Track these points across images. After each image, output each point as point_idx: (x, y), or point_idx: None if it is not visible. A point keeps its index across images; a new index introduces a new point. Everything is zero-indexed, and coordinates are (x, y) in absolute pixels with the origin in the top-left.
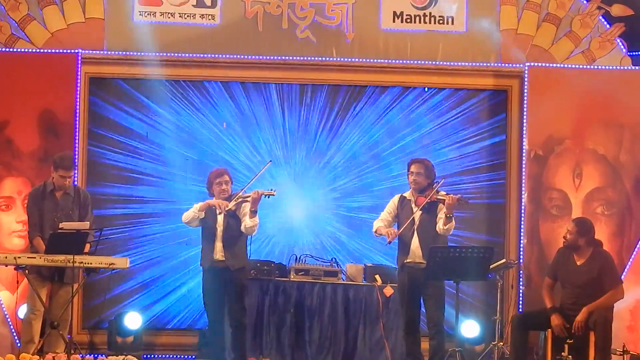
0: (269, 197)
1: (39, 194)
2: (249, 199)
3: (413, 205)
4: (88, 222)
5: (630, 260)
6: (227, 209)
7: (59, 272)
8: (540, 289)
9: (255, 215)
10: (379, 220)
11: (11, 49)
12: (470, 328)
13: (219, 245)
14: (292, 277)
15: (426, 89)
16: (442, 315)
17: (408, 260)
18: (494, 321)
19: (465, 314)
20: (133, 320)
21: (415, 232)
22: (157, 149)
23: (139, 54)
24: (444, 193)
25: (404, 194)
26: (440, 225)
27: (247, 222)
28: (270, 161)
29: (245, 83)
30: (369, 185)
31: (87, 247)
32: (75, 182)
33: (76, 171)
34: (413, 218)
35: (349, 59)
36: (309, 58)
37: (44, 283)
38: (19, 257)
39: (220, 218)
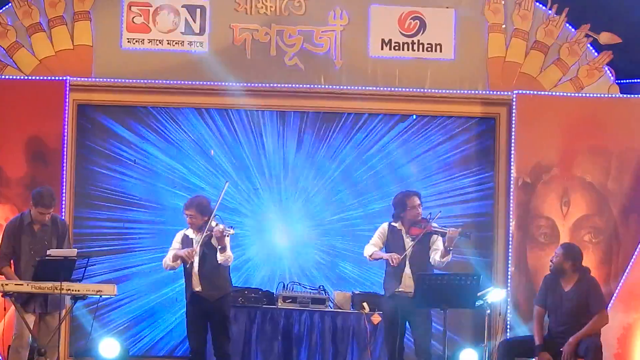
0: (228, 236)
1: (15, 227)
2: (213, 231)
3: (404, 234)
4: (75, 249)
5: (618, 287)
6: (191, 258)
7: (45, 299)
8: (527, 315)
9: (225, 250)
10: (372, 245)
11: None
12: (467, 356)
13: (195, 278)
14: (279, 304)
15: (415, 117)
16: (429, 341)
17: (399, 289)
18: (482, 348)
19: (456, 341)
20: (119, 348)
21: (408, 262)
22: (146, 174)
23: (127, 81)
24: (437, 225)
25: (393, 223)
26: (437, 258)
27: (219, 257)
28: (228, 182)
29: (231, 110)
30: (357, 211)
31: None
32: (62, 216)
33: (64, 196)
34: (404, 247)
35: (338, 87)
36: (297, 85)
37: (30, 311)
38: (6, 284)
39: (197, 254)
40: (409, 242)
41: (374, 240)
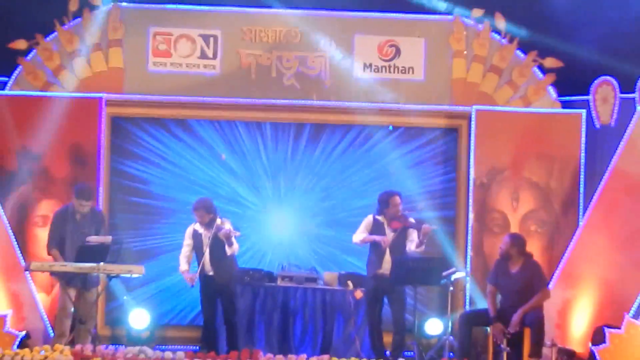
0: (234, 237)
1: (61, 216)
2: (221, 231)
3: (386, 226)
4: (110, 237)
5: (558, 270)
6: (193, 283)
7: (84, 278)
8: (483, 291)
9: (232, 245)
10: (361, 233)
11: (47, 93)
12: (434, 325)
13: (207, 265)
14: (279, 282)
15: (391, 127)
16: (404, 314)
17: (380, 271)
18: (446, 319)
19: (425, 313)
20: (148, 318)
21: (388, 249)
22: (167, 173)
23: (152, 97)
24: (413, 220)
25: (377, 216)
26: (412, 247)
27: (227, 250)
28: (224, 154)
29: (237, 122)
30: (342, 206)
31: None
32: (99, 207)
33: (100, 191)
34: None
35: (327, 102)
36: (293, 101)
37: (73, 287)
38: (53, 265)
39: (205, 242)
40: (389, 233)
41: (361, 229)
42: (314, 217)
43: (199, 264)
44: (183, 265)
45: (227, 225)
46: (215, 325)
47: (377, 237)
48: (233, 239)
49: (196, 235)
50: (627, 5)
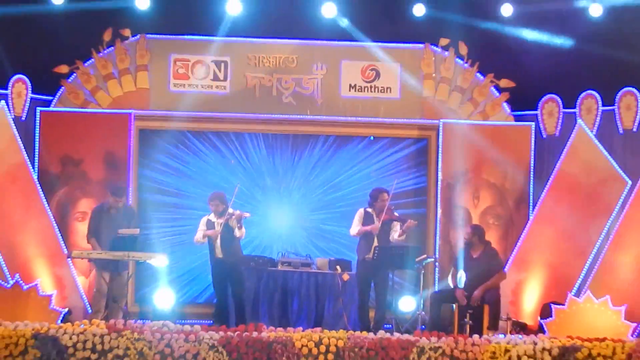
0: (245, 218)
1: (98, 211)
2: (233, 216)
3: (375, 218)
4: (138, 229)
5: (511, 257)
6: (216, 235)
7: (117, 263)
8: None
9: (241, 228)
10: (356, 226)
11: (85, 110)
12: (408, 302)
13: (218, 249)
14: (279, 267)
15: (372, 137)
16: (385, 294)
17: (368, 256)
18: (418, 297)
19: (402, 293)
20: (170, 297)
21: (376, 237)
22: (185, 175)
23: (173, 113)
24: (397, 215)
25: (367, 209)
26: (395, 237)
27: (236, 232)
28: (238, 184)
29: (244, 133)
30: (332, 203)
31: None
32: (129, 202)
33: (130, 191)
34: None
35: (319, 117)
36: (291, 116)
37: (107, 271)
38: (90, 253)
39: (217, 228)
40: (377, 223)
41: (355, 222)
42: (307, 210)
43: (209, 249)
44: (199, 237)
45: (238, 212)
46: (227, 303)
47: (368, 227)
48: (242, 222)
49: (209, 223)
50: (570, 33)
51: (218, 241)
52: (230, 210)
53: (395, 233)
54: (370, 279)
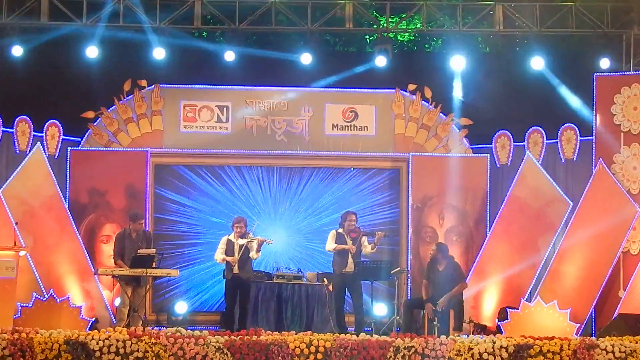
0: (268, 244)
1: (122, 235)
2: (253, 242)
3: (346, 236)
4: (155, 249)
5: (472, 269)
6: (235, 261)
7: (137, 279)
8: (420, 286)
9: (259, 251)
10: (330, 244)
11: (108, 149)
12: (381, 308)
13: (236, 266)
14: (275, 280)
15: (352, 169)
16: (361, 301)
17: (346, 270)
18: (393, 304)
19: (378, 300)
20: (182, 307)
21: (350, 253)
22: (194, 204)
23: (183, 150)
24: (362, 231)
25: (338, 230)
26: (368, 250)
27: (253, 255)
28: (257, 222)
29: (243, 166)
30: (318, 225)
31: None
32: (147, 228)
33: (147, 217)
34: (349, 245)
35: (307, 152)
36: (283, 151)
37: (129, 285)
38: (114, 270)
39: (236, 248)
40: (349, 242)
41: (329, 241)
42: (299, 232)
43: (227, 266)
44: (219, 256)
45: (260, 238)
46: (233, 312)
47: (345, 246)
48: (261, 247)
49: (229, 244)
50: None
51: (236, 260)
52: (251, 235)
53: (366, 248)
54: (345, 289)
